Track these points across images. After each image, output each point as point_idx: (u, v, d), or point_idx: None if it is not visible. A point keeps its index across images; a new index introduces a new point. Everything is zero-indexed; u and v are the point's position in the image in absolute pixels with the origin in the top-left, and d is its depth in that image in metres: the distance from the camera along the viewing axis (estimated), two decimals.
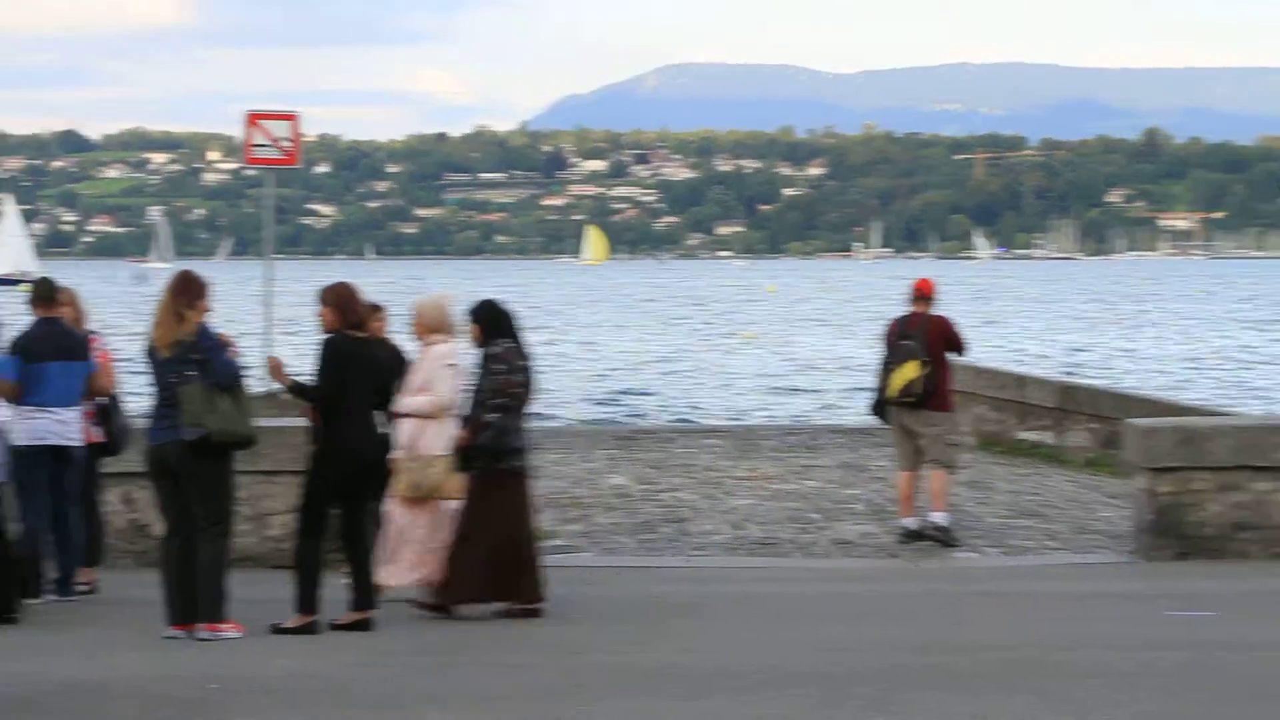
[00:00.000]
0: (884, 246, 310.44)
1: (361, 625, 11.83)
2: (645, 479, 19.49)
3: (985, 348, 57.11)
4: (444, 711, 9.56)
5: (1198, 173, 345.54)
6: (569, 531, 16.25)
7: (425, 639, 11.65)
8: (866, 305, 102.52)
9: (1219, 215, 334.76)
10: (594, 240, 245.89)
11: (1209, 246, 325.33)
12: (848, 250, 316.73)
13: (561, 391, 46.12)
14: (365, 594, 11.93)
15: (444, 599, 12.30)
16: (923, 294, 16.41)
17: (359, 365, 11.90)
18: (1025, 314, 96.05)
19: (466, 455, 12.19)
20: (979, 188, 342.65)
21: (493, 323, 12.49)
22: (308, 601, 11.79)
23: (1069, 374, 45.45)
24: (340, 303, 11.95)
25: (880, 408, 16.40)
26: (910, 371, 15.92)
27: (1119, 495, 17.68)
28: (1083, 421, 21.61)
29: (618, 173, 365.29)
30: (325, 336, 11.93)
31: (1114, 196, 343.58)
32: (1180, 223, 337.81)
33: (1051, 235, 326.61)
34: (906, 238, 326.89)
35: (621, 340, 72.51)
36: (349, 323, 11.94)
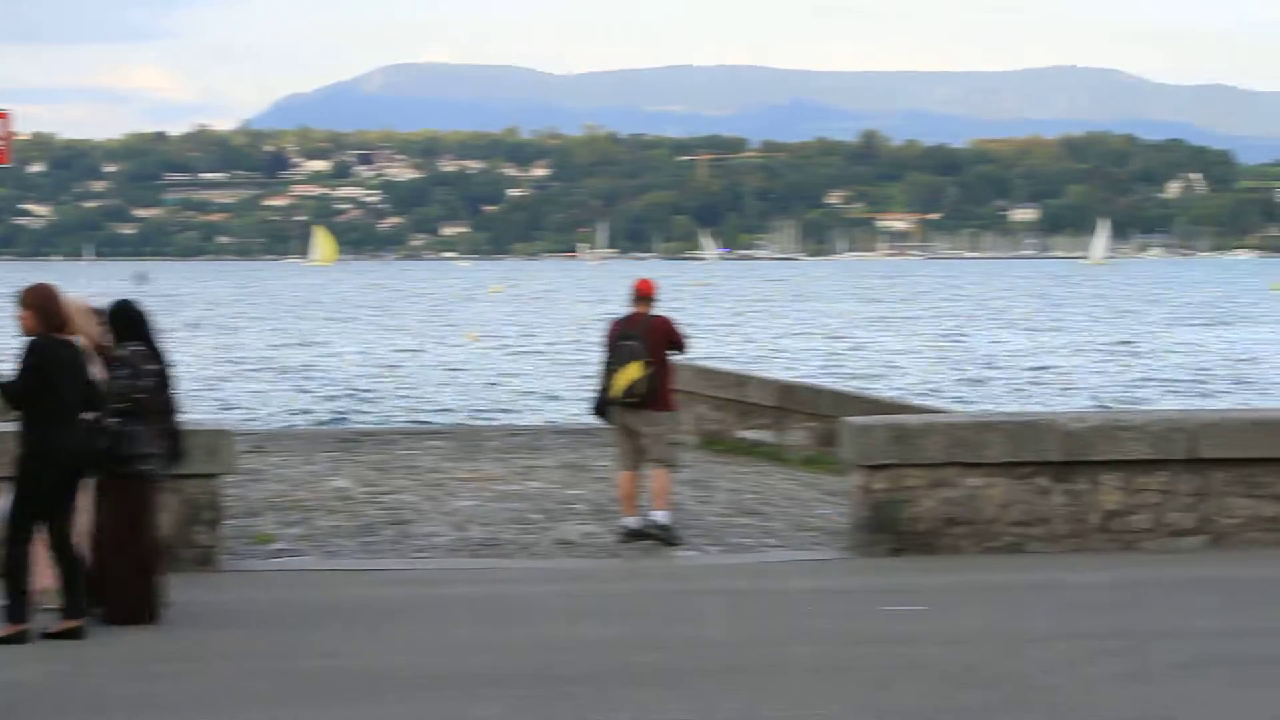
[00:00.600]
0: (609, 247, 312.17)
1: (73, 634, 11.56)
2: (367, 481, 19.34)
3: (735, 347, 57.79)
4: None
5: (914, 175, 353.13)
6: (289, 535, 16.05)
7: (143, 647, 11.42)
8: (594, 306, 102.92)
9: (935, 216, 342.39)
10: (322, 241, 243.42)
11: (925, 247, 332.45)
12: (573, 251, 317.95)
13: (281, 394, 45.69)
14: (75, 602, 11.66)
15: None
16: (643, 294, 16.52)
17: (65, 368, 11.62)
18: (784, 315, 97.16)
19: (86, 460, 11.92)
20: (701, 189, 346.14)
21: (126, 325, 12.28)
22: (18, 611, 11.49)
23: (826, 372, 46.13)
24: (41, 305, 11.66)
25: (602, 408, 16.47)
26: (633, 372, 16.01)
27: (836, 492, 17.96)
28: (802, 420, 21.92)
29: (341, 173, 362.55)
30: (29, 339, 11.63)
31: (833, 198, 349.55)
32: (898, 224, 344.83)
33: (773, 236, 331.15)
34: (631, 238, 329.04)
35: (345, 342, 71.96)
36: (52, 325, 11.65)
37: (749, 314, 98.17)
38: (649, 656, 10.89)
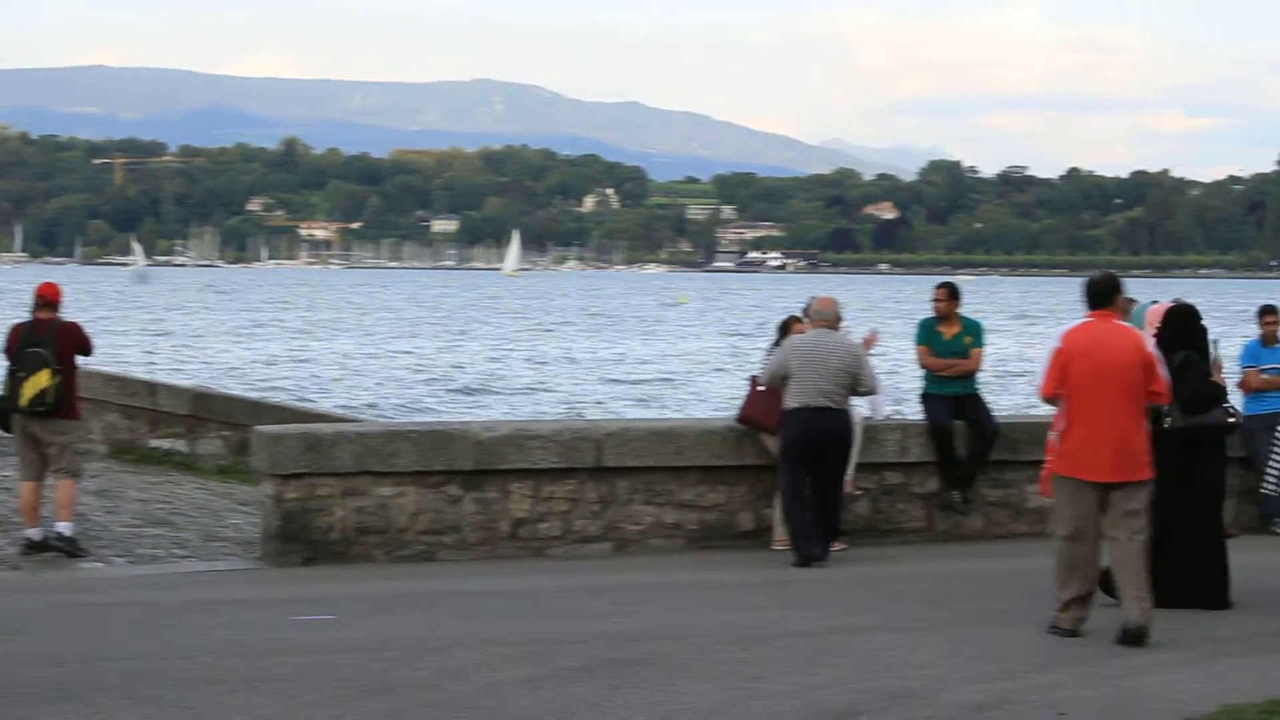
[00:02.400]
0: (23, 251, 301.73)
1: None
2: None
3: (154, 355, 56.46)
4: None
5: (336, 183, 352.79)
6: None
7: None
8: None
9: (356, 225, 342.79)
10: None
11: (347, 256, 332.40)
12: None
13: None
14: None
15: None
16: (47, 300, 16.06)
17: None
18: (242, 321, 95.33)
19: None
20: (118, 193, 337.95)
21: None
22: None
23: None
24: None
25: (4, 417, 15.94)
26: (43, 380, 15.56)
27: (249, 502, 17.81)
28: (215, 429, 21.68)
29: None
30: None
31: (254, 205, 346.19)
32: (320, 232, 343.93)
33: (193, 242, 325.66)
34: (45, 242, 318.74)
35: None
36: None
37: (174, 319, 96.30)
38: (48, 672, 10.56)
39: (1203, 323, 13.72)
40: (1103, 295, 12.42)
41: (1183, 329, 13.57)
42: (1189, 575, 13.37)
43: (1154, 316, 13.97)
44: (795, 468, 15.65)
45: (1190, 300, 14.47)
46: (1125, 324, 12.71)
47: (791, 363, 15.71)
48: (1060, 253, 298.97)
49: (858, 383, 15.72)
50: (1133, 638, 11.91)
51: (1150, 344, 12.55)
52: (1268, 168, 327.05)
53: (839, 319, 16.10)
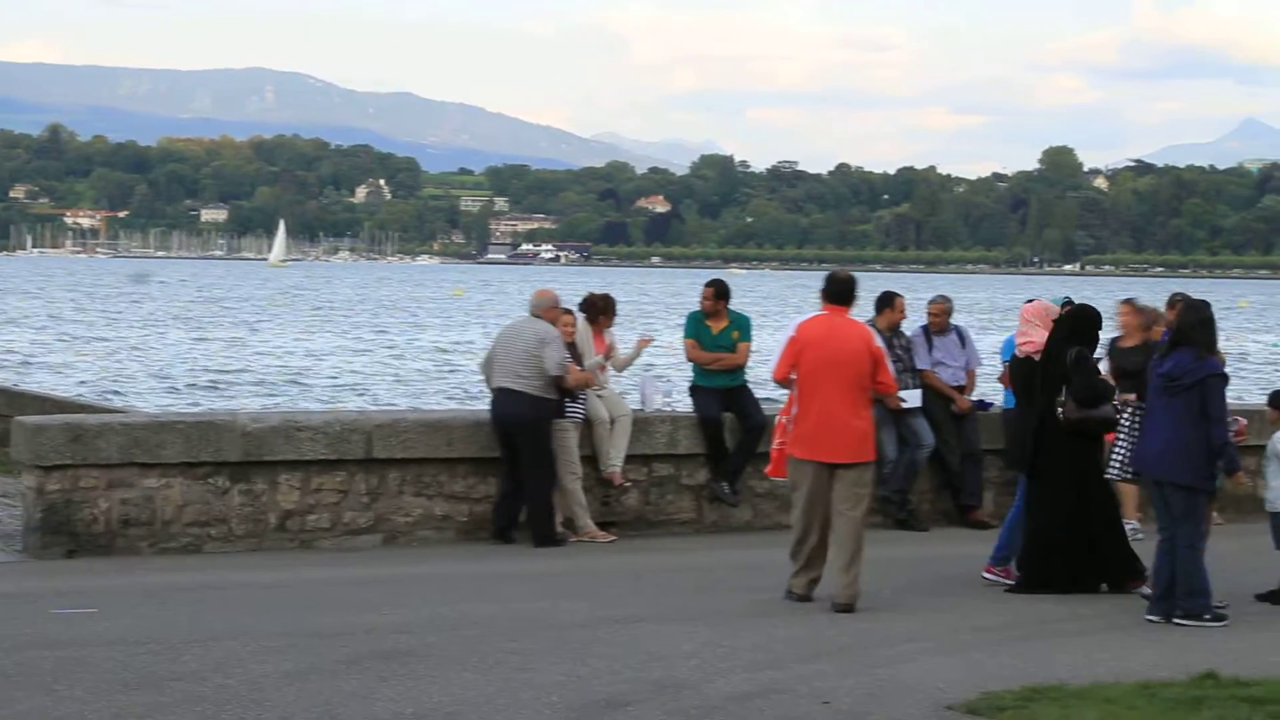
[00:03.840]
0: None
1: None
2: None
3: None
4: None
5: (102, 171, 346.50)
6: None
7: None
8: None
9: (124, 214, 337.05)
10: None
11: (114, 245, 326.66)
12: None
13: None
14: None
15: None
16: None
17: None
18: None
19: None
20: None
21: None
22: None
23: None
24: None
25: None
26: None
27: (10, 494, 17.45)
28: None
29: None
30: None
31: (18, 192, 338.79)
32: (85, 220, 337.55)
33: None
34: None
35: None
36: None
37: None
38: None
39: (1099, 323, 14.26)
40: (839, 293, 13.43)
41: (1079, 327, 14.21)
42: (1102, 559, 14.14)
43: (1028, 313, 14.74)
44: (499, 446, 16.18)
45: (948, 294, 14.92)
46: (857, 319, 13.66)
47: (493, 347, 16.52)
48: (829, 247, 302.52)
49: (543, 366, 16.09)
50: (841, 609, 12.96)
51: (878, 340, 13.56)
52: (1030, 165, 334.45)
53: (554, 308, 16.55)
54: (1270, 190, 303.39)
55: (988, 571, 14.72)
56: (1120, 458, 16.15)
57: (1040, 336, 14.44)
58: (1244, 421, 15.34)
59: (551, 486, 16.20)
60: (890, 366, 13.68)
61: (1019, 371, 14.79)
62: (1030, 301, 15.23)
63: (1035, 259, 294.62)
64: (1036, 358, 14.36)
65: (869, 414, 13.41)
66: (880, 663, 11.18)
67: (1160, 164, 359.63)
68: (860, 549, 13.17)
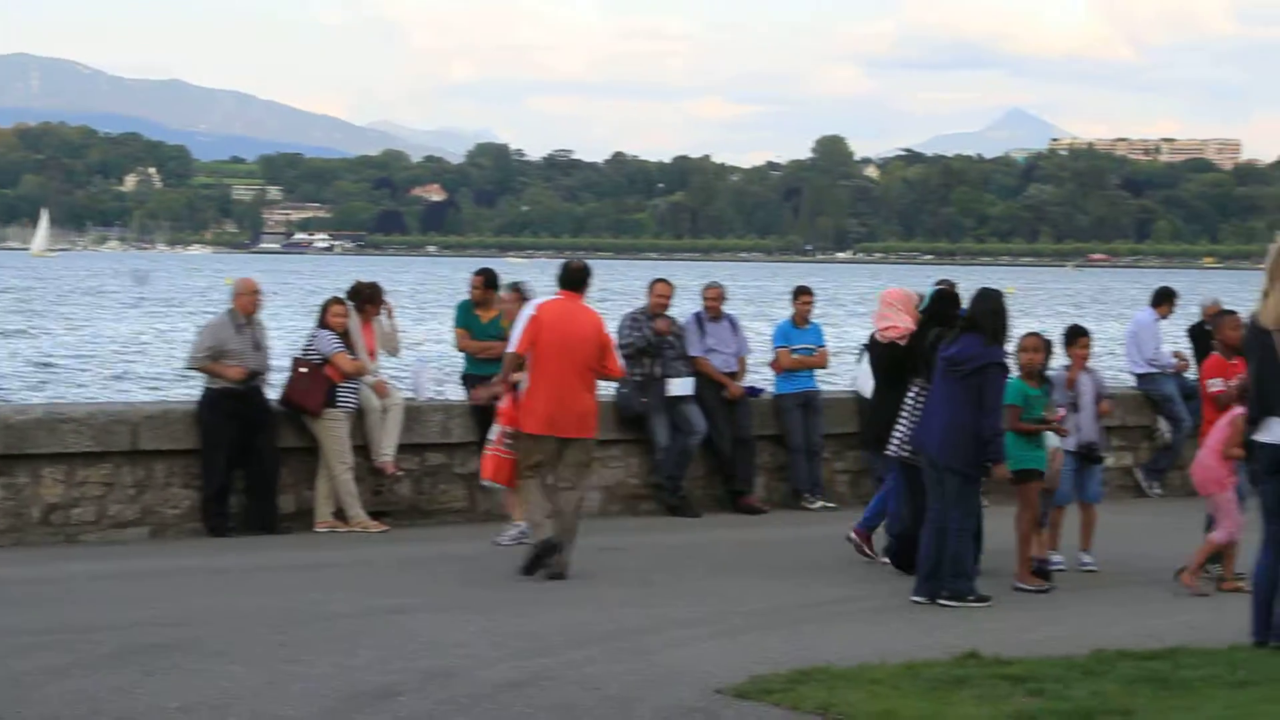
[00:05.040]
0: None
1: None
2: None
3: None
4: None
5: None
6: None
7: None
8: None
9: None
10: None
11: None
12: None
13: None
14: None
15: None
16: None
17: None
18: None
19: None
20: None
21: None
22: None
23: None
24: None
25: None
26: None
27: None
28: None
29: None
30: None
31: None
32: None
33: None
34: None
35: None
36: None
37: None
38: None
39: (961, 307, 14.31)
40: (573, 280, 14.23)
41: (939, 309, 14.38)
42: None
43: (890, 298, 14.99)
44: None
45: (726, 281, 15.03)
46: (589, 306, 14.27)
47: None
48: (605, 235, 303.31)
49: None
50: (554, 577, 13.72)
51: (608, 327, 14.38)
52: (803, 155, 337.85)
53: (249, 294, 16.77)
54: (1035, 179, 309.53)
55: (854, 534, 15.29)
56: (901, 436, 16.39)
57: (904, 321, 14.63)
58: (1109, 404, 15.63)
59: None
60: (619, 357, 14.88)
61: (880, 356, 14.92)
62: (890, 288, 15.38)
63: (808, 247, 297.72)
64: (902, 342, 14.52)
65: (594, 394, 14.32)
66: (651, 649, 11.23)
67: (930, 153, 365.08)
68: (576, 522, 14.07)
